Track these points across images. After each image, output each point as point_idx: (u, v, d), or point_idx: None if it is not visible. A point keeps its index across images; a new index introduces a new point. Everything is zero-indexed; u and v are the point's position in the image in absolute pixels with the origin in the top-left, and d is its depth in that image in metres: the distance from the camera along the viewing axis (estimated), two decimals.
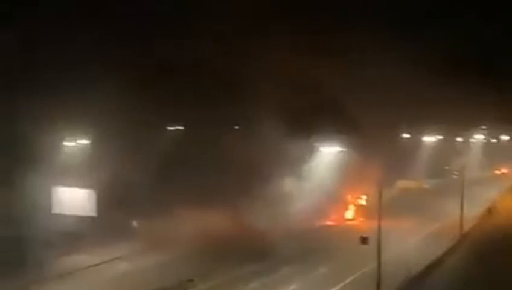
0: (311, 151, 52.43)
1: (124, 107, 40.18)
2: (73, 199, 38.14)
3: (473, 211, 54.32)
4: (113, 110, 40.30)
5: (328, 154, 54.91)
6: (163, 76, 45.69)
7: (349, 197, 58.61)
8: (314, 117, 51.48)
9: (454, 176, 64.53)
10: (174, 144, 48.49)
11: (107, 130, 41.95)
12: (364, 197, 57.76)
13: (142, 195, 41.37)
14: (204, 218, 41.92)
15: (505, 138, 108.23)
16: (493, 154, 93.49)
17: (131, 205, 41.88)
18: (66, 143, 40.31)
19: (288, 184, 50.61)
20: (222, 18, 44.05)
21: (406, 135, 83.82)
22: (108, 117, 40.67)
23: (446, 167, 76.27)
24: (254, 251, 38.38)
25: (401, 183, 72.30)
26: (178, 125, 53.63)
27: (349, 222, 55.92)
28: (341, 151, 56.30)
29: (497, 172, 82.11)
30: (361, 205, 58.06)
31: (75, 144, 40.90)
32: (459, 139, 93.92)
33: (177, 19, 43.75)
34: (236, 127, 57.61)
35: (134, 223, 44.17)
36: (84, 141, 41.31)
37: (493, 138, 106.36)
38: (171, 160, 45.36)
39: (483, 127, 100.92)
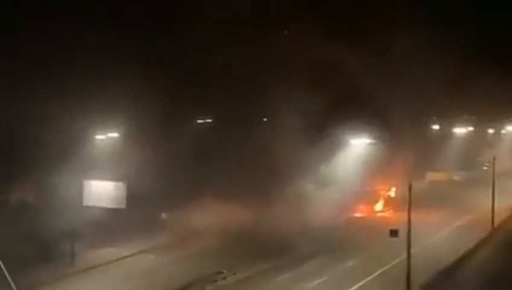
0: (341, 143, 52.10)
1: (153, 100, 40.54)
2: (104, 192, 38.44)
3: (505, 203, 53.55)
4: (142, 104, 40.73)
5: (358, 146, 54.50)
6: (189, 72, 46.05)
7: (378, 189, 58.30)
8: (344, 109, 51.31)
9: (485, 168, 63.84)
10: (203, 137, 48.74)
11: (136, 124, 42.32)
12: (394, 189, 57.43)
13: (171, 188, 41.62)
14: (232, 212, 42.08)
15: None
16: None
17: (161, 197, 42.19)
18: (97, 136, 40.68)
19: (318, 177, 50.55)
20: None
21: (436, 127, 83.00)
22: (138, 111, 41.10)
23: (478, 159, 75.56)
24: (281, 245, 38.46)
25: (431, 175, 71.60)
26: (206, 118, 53.82)
27: (378, 214, 55.64)
28: (371, 143, 55.93)
29: None
30: (391, 197, 57.74)
31: (105, 137, 41.24)
32: (490, 130, 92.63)
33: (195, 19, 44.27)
34: (265, 119, 57.65)
35: (164, 216, 44.46)
36: (115, 134, 41.63)
37: None
38: (200, 153, 45.55)
39: None
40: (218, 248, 38.46)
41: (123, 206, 38.55)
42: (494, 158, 52.12)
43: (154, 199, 41.70)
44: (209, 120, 53.96)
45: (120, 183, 38.76)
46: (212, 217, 40.89)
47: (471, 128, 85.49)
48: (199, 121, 53.32)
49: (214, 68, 45.40)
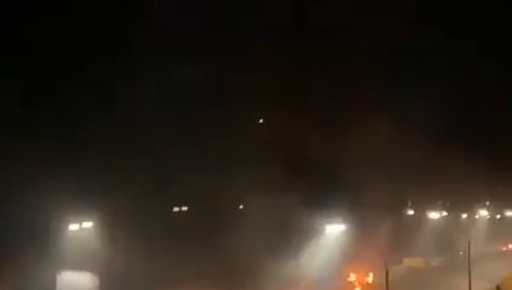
0: (317, 229, 52.05)
1: (128, 188, 40.30)
2: (77, 283, 37.59)
3: (482, 287, 53.48)
4: (117, 193, 40.47)
5: (333, 232, 54.55)
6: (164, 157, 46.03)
7: (355, 275, 57.73)
8: (319, 195, 51.56)
9: (461, 253, 63.95)
10: (178, 226, 48.32)
11: (110, 213, 41.87)
12: (371, 275, 56.97)
13: (146, 278, 40.75)
14: None
15: (509, 213, 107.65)
16: (498, 230, 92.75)
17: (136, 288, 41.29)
18: (70, 227, 40.10)
19: (293, 264, 50.04)
20: None
21: (411, 212, 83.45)
22: (113, 200, 40.79)
23: (452, 244, 75.66)
24: None
25: (408, 261, 71.43)
26: (182, 206, 53.50)
27: None
28: (346, 229, 55.97)
29: (504, 248, 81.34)
30: (368, 283, 57.15)
31: (78, 227, 40.68)
32: (464, 215, 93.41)
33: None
34: (241, 207, 57.52)
35: None
36: (89, 224, 41.08)
37: (497, 213, 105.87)
38: (176, 242, 44.99)
39: (487, 203, 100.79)
40: None
41: None
42: (469, 243, 52.43)
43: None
44: (185, 208, 53.64)
45: (93, 275, 37.98)
46: None
47: (445, 213, 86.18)
48: (175, 209, 52.99)
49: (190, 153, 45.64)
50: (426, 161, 61.29)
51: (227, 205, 52.08)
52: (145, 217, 44.16)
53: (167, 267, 42.31)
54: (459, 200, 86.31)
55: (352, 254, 52.95)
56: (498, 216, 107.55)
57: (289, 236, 50.00)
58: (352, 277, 58.27)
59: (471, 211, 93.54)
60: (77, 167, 38.56)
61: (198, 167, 46.24)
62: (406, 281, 57.20)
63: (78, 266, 38.29)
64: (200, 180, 46.38)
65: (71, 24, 39.50)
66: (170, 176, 45.73)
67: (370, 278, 59.19)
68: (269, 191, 50.64)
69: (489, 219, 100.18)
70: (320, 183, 52.12)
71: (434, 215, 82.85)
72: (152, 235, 41.87)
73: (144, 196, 43.71)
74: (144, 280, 40.71)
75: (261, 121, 54.97)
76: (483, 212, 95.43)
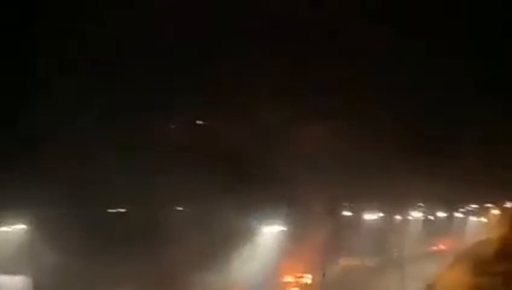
0: (254, 231, 52.22)
1: (63, 190, 39.52)
2: (9, 286, 36.61)
3: (413, 287, 54.70)
4: (51, 195, 39.63)
5: (271, 233, 54.84)
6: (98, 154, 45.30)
7: (293, 276, 58.20)
8: (257, 197, 51.71)
9: (395, 253, 65.38)
10: (114, 227, 47.68)
11: (44, 214, 41.00)
12: (310, 276, 57.58)
13: (82, 281, 40.07)
14: None
15: (441, 214, 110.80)
16: (431, 230, 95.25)
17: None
18: (1, 228, 39.06)
19: (229, 266, 50.01)
20: None
21: (347, 213, 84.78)
22: (47, 201, 39.94)
23: (386, 245, 77.16)
24: None
25: (344, 261, 72.49)
26: (119, 208, 52.80)
27: None
28: (282, 230, 56.37)
29: (435, 248, 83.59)
30: (307, 284, 57.75)
31: (10, 229, 39.67)
32: (398, 216, 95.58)
33: None
34: (179, 209, 57.20)
35: None
36: (22, 226, 40.11)
37: (430, 215, 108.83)
38: (111, 244, 44.38)
39: (421, 204, 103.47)
40: None
41: None
42: (403, 243, 53.68)
43: None
44: (122, 210, 52.96)
45: (26, 278, 37.11)
46: None
47: (380, 215, 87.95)
48: (111, 211, 52.22)
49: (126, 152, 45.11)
50: (362, 163, 62.32)
51: (165, 207, 51.71)
52: (80, 218, 43.43)
53: (101, 268, 41.64)
54: (394, 202, 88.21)
55: (289, 255, 53.34)
56: (431, 217, 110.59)
57: (226, 238, 49.99)
58: (290, 278, 58.87)
59: (405, 213, 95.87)
60: (8, 168, 37.64)
61: (136, 168, 45.77)
62: (342, 280, 58.10)
63: (10, 269, 37.29)
64: (138, 181, 45.92)
65: None
66: (107, 178, 45.10)
67: (308, 279, 59.96)
68: (207, 194, 50.55)
69: (422, 220, 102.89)
70: (257, 185, 52.27)
71: (370, 216, 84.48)
72: (87, 237, 41.16)
73: (79, 198, 43.00)
74: (78, 282, 39.98)
75: (199, 122, 54.81)
76: (416, 214, 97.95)
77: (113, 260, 43.21)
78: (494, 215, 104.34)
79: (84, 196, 44.02)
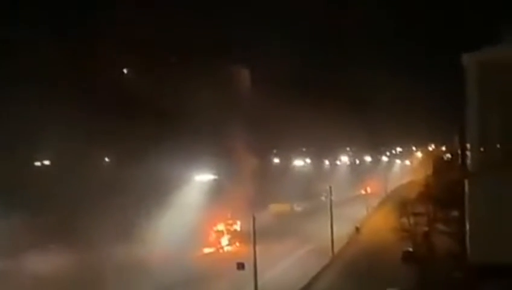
0: (185, 180, 52.20)
1: None
2: None
3: (342, 230, 56.26)
4: None
5: (202, 182, 54.97)
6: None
7: (223, 224, 58.86)
8: (187, 147, 51.59)
9: (323, 198, 66.81)
10: (40, 180, 46.92)
11: None
12: (239, 222, 58.33)
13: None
14: (64, 256, 40.39)
15: (368, 159, 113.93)
16: (358, 175, 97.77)
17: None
18: None
19: (163, 216, 49.95)
20: None
21: (276, 160, 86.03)
22: None
23: (315, 189, 78.82)
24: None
25: (274, 207, 73.71)
26: (44, 160, 51.88)
27: (226, 249, 56.13)
28: (214, 179, 56.63)
29: (363, 192, 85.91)
30: (236, 231, 58.51)
31: None
32: (326, 162, 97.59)
33: None
34: (107, 160, 56.58)
35: None
36: None
37: (357, 159, 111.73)
38: (36, 196, 43.52)
39: (348, 149, 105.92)
40: None
41: None
42: (330, 187, 54.79)
43: None
44: (47, 162, 51.99)
45: None
46: (41, 261, 38.92)
47: (308, 161, 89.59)
48: (36, 164, 51.23)
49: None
50: (290, 111, 63.01)
51: (91, 159, 51.04)
52: (5, 170, 42.31)
53: (22, 221, 40.65)
54: (321, 147, 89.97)
55: (220, 203, 53.75)
56: (357, 162, 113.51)
57: (156, 188, 49.81)
58: (220, 226, 59.56)
59: (333, 158, 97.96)
60: None
61: (61, 122, 44.76)
62: (273, 225, 59.06)
63: None
64: (63, 135, 44.97)
65: None
66: (32, 131, 44.02)
67: (238, 226, 60.77)
68: (136, 144, 50.11)
69: (349, 164, 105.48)
70: (188, 136, 52.11)
71: (298, 162, 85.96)
72: (11, 189, 40.19)
73: (3, 150, 41.91)
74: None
75: (125, 71, 53.91)
76: (344, 159, 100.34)
77: (38, 210, 42.45)
78: (417, 158, 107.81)
79: (10, 149, 42.93)
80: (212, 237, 56.74)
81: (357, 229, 61.47)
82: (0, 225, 38.45)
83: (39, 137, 45.14)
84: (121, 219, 45.52)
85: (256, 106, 59.83)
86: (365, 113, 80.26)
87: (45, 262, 38.65)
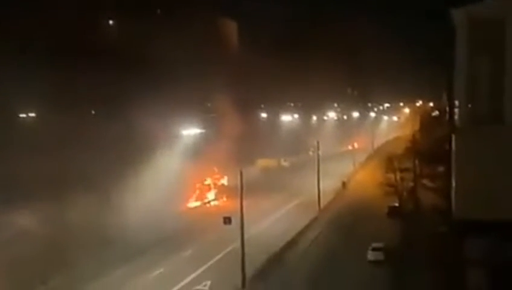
0: (172, 134, 51.98)
1: None
2: None
3: (329, 185, 56.53)
4: None
5: (188, 136, 54.81)
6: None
7: (210, 178, 58.95)
8: (173, 102, 51.24)
9: (310, 153, 66.88)
10: (26, 132, 46.50)
11: None
12: (226, 177, 58.42)
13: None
14: (55, 209, 40.19)
15: (355, 114, 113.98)
16: (345, 130, 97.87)
17: None
18: None
19: (150, 169, 49.82)
20: None
21: (264, 115, 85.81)
22: None
23: (302, 145, 78.91)
24: (113, 238, 37.55)
25: (261, 162, 73.84)
26: (29, 112, 51.35)
27: (212, 203, 56.33)
28: (201, 133, 56.45)
29: (350, 147, 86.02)
30: (223, 185, 58.66)
31: None
32: (314, 117, 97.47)
33: None
34: (93, 112, 56.09)
35: None
36: None
37: (345, 115, 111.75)
38: (22, 148, 43.12)
39: (336, 105, 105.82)
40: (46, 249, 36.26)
41: None
42: (318, 142, 54.75)
43: None
44: (32, 114, 51.49)
45: None
46: (34, 214, 38.79)
47: (296, 116, 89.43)
48: (22, 115, 50.72)
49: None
50: (278, 66, 62.59)
51: (78, 111, 50.49)
52: None
53: (10, 171, 40.30)
54: (309, 102, 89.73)
55: (207, 157, 53.66)
56: (345, 117, 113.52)
57: (142, 143, 49.54)
58: (207, 181, 59.68)
59: (321, 113, 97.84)
60: None
61: (47, 73, 44.16)
62: (260, 180, 59.28)
63: None
64: (50, 86, 44.41)
65: None
66: (17, 82, 43.43)
67: (225, 181, 60.90)
68: (122, 97, 49.60)
69: (337, 120, 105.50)
70: (174, 88, 51.67)
71: (286, 117, 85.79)
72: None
73: None
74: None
75: (110, 22, 53.09)
76: (331, 114, 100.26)
77: (25, 163, 42.01)
78: (405, 114, 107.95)
79: None
80: (199, 191, 56.83)
81: (344, 184, 61.78)
82: None
83: (25, 90, 44.61)
84: (108, 171, 45.26)
85: (243, 60, 59.29)
86: (353, 69, 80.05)
87: None
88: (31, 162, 40.58)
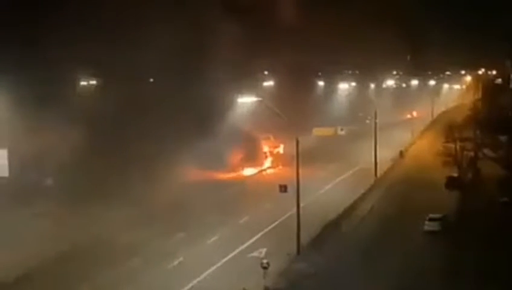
0: (230, 102, 52.15)
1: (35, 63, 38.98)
2: None
3: (387, 154, 55.92)
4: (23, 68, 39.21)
5: (246, 104, 54.85)
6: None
7: (267, 146, 59.13)
8: (230, 68, 51.30)
9: (368, 122, 66.08)
10: (87, 99, 47.40)
11: (18, 88, 40.33)
12: (282, 145, 58.42)
13: (57, 153, 39.75)
14: (120, 173, 41.10)
15: (414, 82, 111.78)
16: (404, 98, 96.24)
17: (46, 163, 40.54)
18: None
19: (209, 138, 50.23)
20: None
21: (321, 83, 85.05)
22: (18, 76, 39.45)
23: (360, 114, 78.04)
24: (171, 206, 38.48)
25: (317, 131, 73.27)
26: (91, 80, 52.17)
27: (268, 171, 56.53)
28: (258, 101, 56.36)
29: (409, 116, 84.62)
30: (279, 154, 58.76)
31: None
32: (372, 85, 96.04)
33: None
34: (151, 80, 56.69)
35: (49, 182, 42.80)
36: None
37: (404, 83, 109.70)
38: (85, 116, 44.02)
39: (395, 72, 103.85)
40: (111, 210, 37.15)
41: (5, 174, 37.11)
42: (376, 111, 54.03)
43: (40, 166, 40.28)
44: (94, 82, 52.32)
45: (1, 151, 37.23)
46: (101, 179, 39.83)
47: (353, 84, 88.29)
48: (83, 83, 51.58)
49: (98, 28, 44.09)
50: (335, 32, 61.71)
51: (137, 78, 51.15)
52: (53, 90, 42.73)
53: (78, 142, 41.22)
54: (367, 70, 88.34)
55: (264, 125, 53.72)
56: (404, 85, 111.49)
57: (202, 110, 49.92)
58: (265, 148, 59.92)
59: (379, 81, 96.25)
60: None
61: (109, 40, 44.75)
62: (316, 150, 59.03)
63: None
64: (110, 54, 45.00)
65: None
66: (77, 49, 44.12)
67: (281, 149, 60.98)
68: (180, 65, 49.93)
69: (395, 88, 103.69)
70: (230, 56, 51.67)
71: (343, 85, 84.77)
72: (59, 110, 40.57)
73: (51, 70, 42.26)
74: (55, 155, 39.77)
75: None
76: (390, 82, 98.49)
77: (88, 132, 42.88)
78: (466, 82, 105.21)
79: (57, 69, 43.24)
80: (256, 159, 57.05)
81: (401, 153, 60.96)
82: None
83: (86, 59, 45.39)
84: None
85: (301, 27, 58.60)
86: (413, 36, 77.99)
87: None
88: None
